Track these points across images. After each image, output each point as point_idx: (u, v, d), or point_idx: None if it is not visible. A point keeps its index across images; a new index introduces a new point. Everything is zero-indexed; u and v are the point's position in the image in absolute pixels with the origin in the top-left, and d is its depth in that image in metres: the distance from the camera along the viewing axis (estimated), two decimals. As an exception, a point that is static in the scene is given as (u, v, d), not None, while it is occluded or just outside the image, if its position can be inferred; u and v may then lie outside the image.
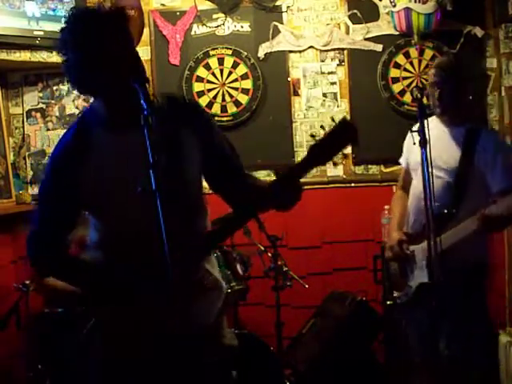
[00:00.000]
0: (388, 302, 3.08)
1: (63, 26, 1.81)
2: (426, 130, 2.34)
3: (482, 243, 2.86)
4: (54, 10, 3.68)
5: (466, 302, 2.75)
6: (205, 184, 2.04)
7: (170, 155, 1.79)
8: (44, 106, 4.09)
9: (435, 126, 2.75)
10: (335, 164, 1.86)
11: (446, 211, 2.67)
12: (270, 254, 3.44)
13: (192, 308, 1.82)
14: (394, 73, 4.01)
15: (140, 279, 1.85)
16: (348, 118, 3.81)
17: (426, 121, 2.38)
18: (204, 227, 2.00)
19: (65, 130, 2.02)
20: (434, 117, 2.85)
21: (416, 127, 2.43)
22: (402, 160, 3.13)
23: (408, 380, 3.07)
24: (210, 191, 2.05)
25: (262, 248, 3.49)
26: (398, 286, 2.94)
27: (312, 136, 1.85)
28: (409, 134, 2.93)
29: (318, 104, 4.07)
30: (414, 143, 2.44)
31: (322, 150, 1.80)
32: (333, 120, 1.82)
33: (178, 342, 1.80)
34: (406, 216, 2.98)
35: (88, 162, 1.86)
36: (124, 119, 1.83)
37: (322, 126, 1.85)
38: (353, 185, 4.08)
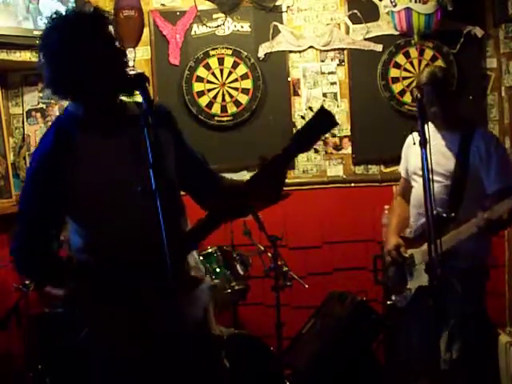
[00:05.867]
0: (388, 302, 3.09)
1: (44, 29, 1.84)
2: (426, 131, 2.34)
3: (484, 245, 2.87)
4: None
5: (465, 304, 2.76)
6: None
7: (154, 156, 1.81)
8: (44, 106, 4.08)
9: (431, 132, 2.72)
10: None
11: (445, 215, 2.69)
12: (269, 254, 3.44)
13: (184, 304, 1.82)
14: (394, 73, 4.01)
15: (132, 279, 1.86)
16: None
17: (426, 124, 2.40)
18: (186, 226, 2.04)
19: None
20: (430, 123, 2.85)
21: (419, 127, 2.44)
22: (400, 169, 3.17)
23: (408, 380, 3.07)
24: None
25: (262, 248, 3.49)
26: (396, 290, 2.97)
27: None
28: (406, 142, 3.05)
29: (318, 104, 4.06)
30: (414, 143, 2.45)
31: (304, 138, 1.88)
32: (311, 109, 1.89)
33: (172, 340, 1.81)
34: (403, 221, 3.03)
35: (73, 166, 1.86)
36: (105, 122, 1.87)
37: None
38: (353, 185, 4.08)
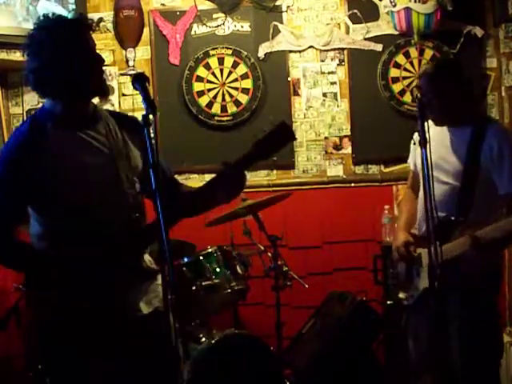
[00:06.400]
0: (388, 302, 3.07)
1: (30, 31, 1.97)
2: (427, 130, 2.27)
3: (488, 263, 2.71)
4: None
5: (475, 307, 2.62)
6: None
7: (125, 158, 2.06)
8: (44, 105, 4.08)
9: (438, 129, 2.66)
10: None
11: (453, 218, 2.56)
12: (269, 254, 3.43)
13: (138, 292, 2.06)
14: (394, 72, 4.01)
15: (93, 266, 1.96)
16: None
17: (426, 122, 2.33)
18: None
19: None
20: (430, 121, 2.62)
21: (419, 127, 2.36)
22: (409, 161, 3.01)
23: (408, 380, 3.06)
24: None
25: (262, 248, 3.49)
26: (403, 287, 2.85)
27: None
28: (414, 137, 2.82)
29: (318, 104, 4.07)
30: (414, 143, 2.40)
31: (265, 146, 2.07)
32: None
33: (128, 325, 2.00)
34: (412, 217, 2.89)
35: (44, 157, 1.95)
36: (80, 118, 2.01)
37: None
38: (353, 185, 4.07)
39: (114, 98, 3.98)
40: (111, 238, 1.98)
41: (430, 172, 2.17)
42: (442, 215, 2.36)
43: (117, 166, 2.01)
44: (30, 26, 3.59)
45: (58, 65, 1.91)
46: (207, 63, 4.04)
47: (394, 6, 3.90)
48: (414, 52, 3.99)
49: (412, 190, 2.98)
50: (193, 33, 4.05)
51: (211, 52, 4.04)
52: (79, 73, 1.93)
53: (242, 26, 4.05)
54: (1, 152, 2.04)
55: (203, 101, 4.04)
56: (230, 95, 4.05)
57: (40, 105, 4.02)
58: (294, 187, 3.91)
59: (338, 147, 4.06)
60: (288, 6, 4.04)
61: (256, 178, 4.03)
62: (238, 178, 2.06)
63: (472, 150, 2.60)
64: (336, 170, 4.06)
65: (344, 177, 4.07)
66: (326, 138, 4.07)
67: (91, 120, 2.04)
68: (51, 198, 1.97)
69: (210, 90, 4.05)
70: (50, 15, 1.99)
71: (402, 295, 2.85)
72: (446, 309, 2.28)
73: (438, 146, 2.32)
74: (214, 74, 4.05)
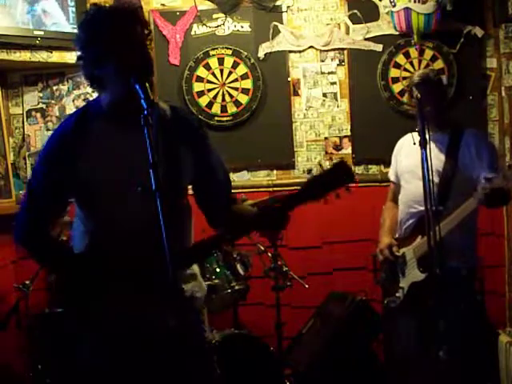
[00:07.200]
0: (385, 302, 3.12)
1: (79, 23, 1.90)
2: (412, 137, 2.44)
3: (471, 247, 2.96)
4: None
5: (458, 303, 2.82)
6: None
7: (167, 163, 1.85)
8: (44, 105, 4.09)
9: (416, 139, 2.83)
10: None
11: (433, 208, 2.73)
12: (270, 254, 3.44)
13: (171, 311, 1.83)
14: (394, 73, 4.01)
15: (119, 276, 1.89)
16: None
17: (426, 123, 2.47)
18: (189, 230, 2.06)
19: None
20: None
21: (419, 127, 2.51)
22: (390, 174, 3.27)
23: (407, 380, 3.07)
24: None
25: (262, 248, 3.49)
26: (388, 292, 3.06)
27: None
28: (396, 146, 3.19)
29: (318, 104, 4.07)
30: (414, 143, 2.50)
31: (318, 186, 1.88)
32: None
33: (155, 341, 1.87)
34: (395, 224, 3.13)
35: (85, 152, 1.89)
36: (125, 116, 1.87)
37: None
38: (353, 184, 4.07)
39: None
40: (133, 251, 1.87)
41: (430, 172, 2.38)
42: (423, 208, 2.54)
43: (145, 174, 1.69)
44: (29, 26, 3.61)
45: (103, 56, 1.82)
46: (207, 63, 4.04)
47: (394, 6, 3.90)
48: (413, 52, 3.99)
49: (393, 202, 3.24)
50: (193, 33, 4.05)
51: (211, 52, 4.04)
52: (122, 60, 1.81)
53: (242, 27, 4.05)
54: (46, 141, 2.00)
55: (203, 101, 4.04)
56: (230, 95, 4.05)
57: (39, 105, 4.07)
58: (294, 187, 3.90)
59: (338, 147, 4.06)
60: (288, 6, 4.04)
61: (256, 177, 4.03)
62: (280, 219, 1.92)
63: (451, 149, 2.89)
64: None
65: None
66: (326, 138, 4.07)
67: (137, 121, 1.76)
68: (81, 194, 1.94)
69: (209, 90, 4.05)
70: (96, 8, 1.90)
71: (387, 300, 3.05)
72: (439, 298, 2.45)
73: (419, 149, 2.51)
74: (214, 74, 4.05)
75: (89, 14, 1.87)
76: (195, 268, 2.10)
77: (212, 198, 2.08)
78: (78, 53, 1.88)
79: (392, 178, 3.25)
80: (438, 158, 2.85)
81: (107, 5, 1.92)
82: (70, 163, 1.89)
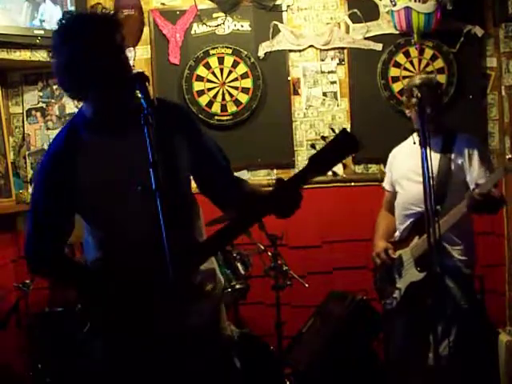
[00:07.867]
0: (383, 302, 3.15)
1: (55, 29, 1.84)
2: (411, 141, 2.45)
3: (469, 249, 2.98)
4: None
5: (458, 302, 2.88)
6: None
7: (163, 155, 1.79)
8: (44, 105, 4.09)
9: (416, 140, 2.86)
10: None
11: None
12: (270, 254, 3.44)
13: (188, 309, 1.81)
14: (394, 72, 4.01)
15: (137, 280, 1.87)
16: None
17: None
18: (200, 227, 2.05)
19: None
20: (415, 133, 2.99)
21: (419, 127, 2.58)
22: (385, 184, 3.33)
23: (407, 380, 3.08)
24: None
25: (262, 247, 3.49)
26: (384, 294, 3.11)
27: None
28: (390, 155, 3.27)
29: (318, 103, 4.07)
30: (415, 143, 2.52)
31: (322, 160, 1.83)
32: (333, 131, 1.82)
33: (175, 341, 1.83)
34: (390, 229, 3.19)
35: (79, 166, 1.88)
36: (111, 123, 1.87)
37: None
38: (353, 184, 4.08)
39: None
40: (141, 255, 1.86)
41: (430, 172, 2.41)
42: (420, 209, 2.62)
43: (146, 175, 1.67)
44: (29, 25, 3.60)
45: (75, 67, 1.78)
46: (207, 63, 4.04)
47: (394, 5, 3.90)
48: (414, 51, 3.99)
49: (388, 211, 3.29)
50: (193, 32, 4.05)
51: (211, 51, 4.04)
52: (104, 74, 1.79)
53: (242, 26, 4.05)
54: (41, 161, 2.01)
55: (203, 100, 4.04)
56: (230, 94, 4.04)
57: (39, 104, 4.07)
58: (294, 187, 3.91)
59: (338, 146, 4.06)
60: (288, 6, 4.04)
61: (256, 177, 4.03)
62: (291, 198, 1.87)
63: (444, 153, 2.93)
64: (336, 170, 4.05)
65: (344, 176, 4.06)
66: (326, 137, 4.06)
67: (128, 124, 1.81)
68: (86, 208, 1.93)
69: (209, 89, 4.05)
70: (73, 13, 1.89)
71: (384, 302, 3.11)
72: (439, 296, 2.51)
73: (414, 154, 2.58)
74: (213, 73, 4.05)
75: (63, 23, 1.82)
76: (213, 262, 2.09)
77: (215, 177, 2.06)
78: (54, 59, 1.83)
79: (387, 187, 3.30)
80: (432, 162, 2.87)
81: (82, 12, 1.91)
82: (69, 177, 1.89)
